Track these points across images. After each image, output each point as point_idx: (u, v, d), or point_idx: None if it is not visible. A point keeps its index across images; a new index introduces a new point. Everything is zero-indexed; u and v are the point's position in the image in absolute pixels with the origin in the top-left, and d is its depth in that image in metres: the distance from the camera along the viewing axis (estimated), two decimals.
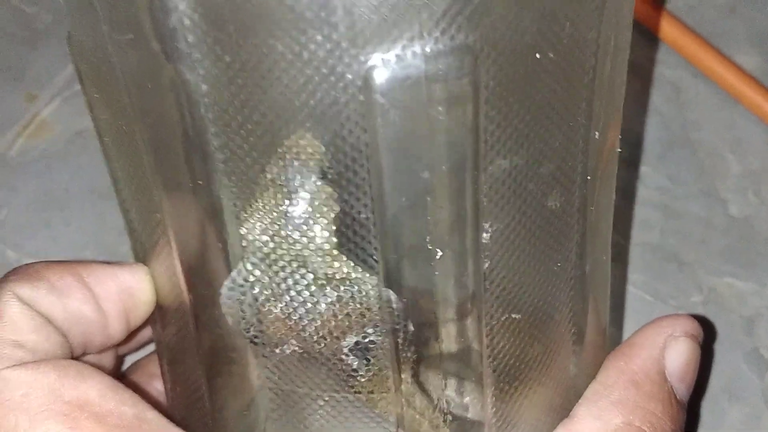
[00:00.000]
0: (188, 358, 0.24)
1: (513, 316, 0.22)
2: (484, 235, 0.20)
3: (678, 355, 0.24)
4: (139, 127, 0.20)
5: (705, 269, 0.36)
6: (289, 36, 0.18)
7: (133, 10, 0.19)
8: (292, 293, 0.20)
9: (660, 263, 0.36)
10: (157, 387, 0.28)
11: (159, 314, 0.24)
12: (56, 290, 0.22)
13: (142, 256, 0.24)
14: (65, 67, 0.40)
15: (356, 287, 0.20)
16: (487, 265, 0.21)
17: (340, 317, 0.20)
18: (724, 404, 0.33)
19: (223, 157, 0.19)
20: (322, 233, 0.20)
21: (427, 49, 0.18)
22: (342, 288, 0.20)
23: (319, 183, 0.19)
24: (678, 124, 0.39)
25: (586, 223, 0.22)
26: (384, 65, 0.18)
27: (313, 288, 0.20)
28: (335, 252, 0.20)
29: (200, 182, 0.20)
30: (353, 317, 0.20)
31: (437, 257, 0.20)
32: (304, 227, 0.20)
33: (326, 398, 0.22)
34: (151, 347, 0.28)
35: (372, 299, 0.20)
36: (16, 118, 0.39)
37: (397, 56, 0.18)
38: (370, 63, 0.18)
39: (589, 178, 0.22)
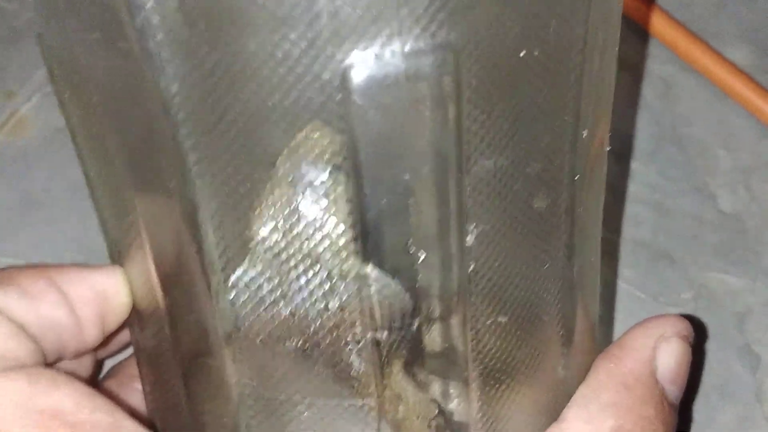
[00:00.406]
0: (165, 362, 0.23)
1: (499, 319, 0.21)
2: (469, 237, 0.20)
3: (669, 356, 0.24)
4: (109, 127, 0.20)
5: (696, 265, 0.35)
6: (262, 34, 0.17)
7: (99, 8, 0.18)
8: (303, 292, 0.20)
9: (650, 259, 0.35)
10: (137, 388, 0.27)
11: (136, 317, 0.24)
12: (28, 295, 0.22)
13: (116, 257, 0.23)
14: (44, 64, 0.40)
15: (371, 286, 0.20)
16: (472, 267, 0.20)
17: (349, 315, 0.20)
18: (716, 401, 0.32)
19: (196, 159, 0.19)
20: (337, 230, 0.19)
21: (407, 48, 0.17)
22: (355, 286, 0.20)
23: (333, 177, 0.19)
24: (668, 119, 0.39)
25: (575, 224, 0.22)
26: (362, 64, 0.17)
27: (325, 287, 0.20)
28: (352, 249, 0.19)
29: (172, 185, 0.19)
30: (363, 316, 0.20)
31: (420, 261, 0.20)
32: (319, 224, 0.19)
33: (307, 404, 0.21)
34: (132, 349, 0.28)
35: (385, 298, 0.20)
36: None
37: (376, 55, 0.17)
38: (347, 62, 0.17)
39: (577, 177, 0.21)
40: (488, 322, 0.21)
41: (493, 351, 0.22)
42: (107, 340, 0.24)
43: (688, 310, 0.34)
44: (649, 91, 0.40)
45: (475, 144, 0.19)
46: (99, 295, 0.23)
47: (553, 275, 0.22)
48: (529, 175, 0.20)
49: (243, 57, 0.17)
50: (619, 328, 0.34)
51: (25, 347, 0.21)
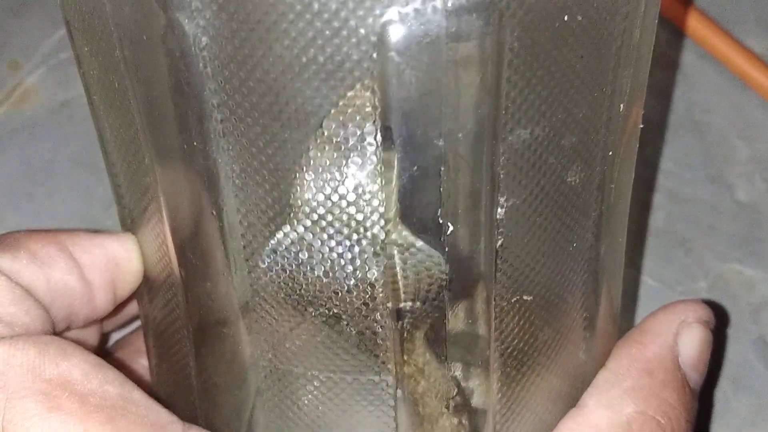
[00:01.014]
0: (176, 334, 0.22)
1: (524, 297, 0.21)
2: (499, 210, 0.19)
3: (691, 342, 0.24)
4: (132, 83, 0.19)
5: (711, 255, 0.35)
6: None
7: None
8: (344, 259, 0.19)
9: (666, 248, 0.35)
10: (143, 363, 0.27)
11: (146, 286, 0.23)
12: (38, 260, 0.21)
13: (129, 223, 0.23)
14: (51, 35, 0.39)
15: (413, 257, 0.19)
16: (500, 242, 0.19)
17: (386, 284, 0.19)
18: (731, 392, 0.32)
19: (222, 117, 0.18)
20: (383, 196, 0.18)
21: (449, 4, 0.16)
22: (397, 256, 0.19)
23: (381, 143, 0.18)
24: (684, 107, 0.38)
25: (605, 202, 0.21)
26: (401, 20, 0.16)
27: (366, 255, 0.19)
28: (398, 219, 0.19)
29: (195, 144, 0.18)
30: (400, 285, 0.19)
31: (448, 232, 0.19)
32: (364, 190, 0.18)
33: (323, 379, 0.21)
34: (138, 323, 0.27)
35: (426, 268, 0.19)
36: None
37: (416, 11, 0.16)
38: (385, 17, 0.16)
39: (610, 153, 0.21)
40: (513, 300, 0.20)
41: (516, 331, 0.21)
42: (116, 309, 0.24)
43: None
44: (666, 78, 0.39)
45: (513, 111, 0.18)
46: (111, 262, 0.22)
47: (579, 254, 0.21)
48: (564, 148, 0.19)
49: (278, 8, 0.16)
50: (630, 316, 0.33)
51: (33, 314, 0.20)
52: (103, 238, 0.22)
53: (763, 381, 0.32)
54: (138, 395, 0.19)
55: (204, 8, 0.17)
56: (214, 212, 0.19)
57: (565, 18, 0.18)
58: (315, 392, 0.21)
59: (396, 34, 0.16)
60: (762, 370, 0.32)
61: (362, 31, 0.16)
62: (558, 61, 0.18)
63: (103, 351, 0.27)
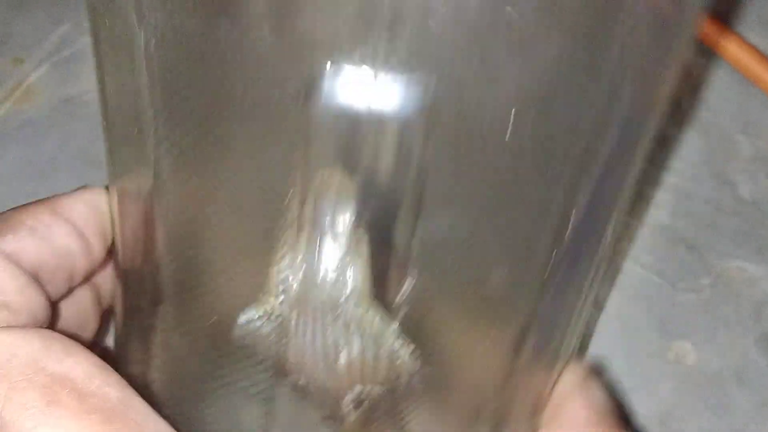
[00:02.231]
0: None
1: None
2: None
3: (597, 393, 0.22)
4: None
5: (714, 252, 0.35)
6: (243, 20, 0.17)
7: None
8: (317, 337, 0.19)
9: (668, 245, 0.35)
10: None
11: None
12: (39, 233, 0.21)
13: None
14: (54, 31, 0.39)
15: (380, 341, 0.19)
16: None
17: (355, 369, 0.19)
18: (733, 390, 0.32)
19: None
20: (357, 277, 0.19)
21: (381, 74, 0.17)
22: (368, 340, 0.19)
23: (352, 222, 0.18)
24: (688, 104, 0.38)
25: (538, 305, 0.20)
26: (331, 76, 0.17)
27: (339, 335, 0.19)
28: (370, 300, 0.19)
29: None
30: (367, 371, 0.19)
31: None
32: (339, 270, 0.18)
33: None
34: None
35: (392, 355, 0.19)
36: (1, 84, 0.38)
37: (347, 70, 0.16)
38: (317, 70, 0.17)
39: (555, 251, 0.19)
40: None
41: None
42: (107, 258, 0.24)
43: (705, 297, 0.34)
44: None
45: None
46: (95, 209, 0.23)
47: (495, 365, 0.20)
48: (490, 247, 0.19)
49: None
50: (636, 312, 0.33)
51: (36, 302, 0.20)
52: (78, 193, 0.23)
53: (765, 378, 0.32)
54: (138, 402, 0.19)
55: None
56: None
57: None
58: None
59: (324, 87, 0.17)
60: (764, 366, 0.32)
61: (293, 81, 0.17)
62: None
63: (103, 343, 0.27)
